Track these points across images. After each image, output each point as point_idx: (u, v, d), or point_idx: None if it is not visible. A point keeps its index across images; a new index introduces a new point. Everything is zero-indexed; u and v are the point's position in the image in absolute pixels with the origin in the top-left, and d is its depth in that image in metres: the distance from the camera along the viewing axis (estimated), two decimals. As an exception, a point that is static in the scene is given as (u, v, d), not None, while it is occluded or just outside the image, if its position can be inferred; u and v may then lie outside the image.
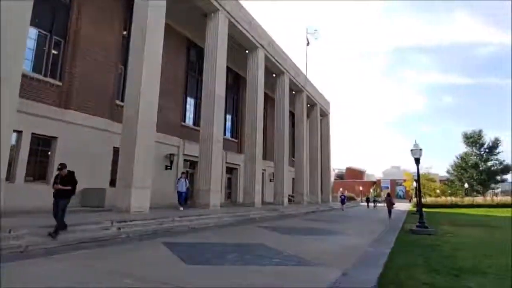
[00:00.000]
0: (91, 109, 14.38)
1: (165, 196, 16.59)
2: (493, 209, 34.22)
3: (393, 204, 21.52)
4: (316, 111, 35.61)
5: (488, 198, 42.83)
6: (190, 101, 21.41)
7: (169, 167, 17.82)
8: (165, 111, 18.07)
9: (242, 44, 21.23)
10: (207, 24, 17.66)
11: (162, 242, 7.78)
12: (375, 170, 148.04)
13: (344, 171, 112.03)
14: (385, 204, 22.59)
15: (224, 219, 12.88)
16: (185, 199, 15.33)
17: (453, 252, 7.97)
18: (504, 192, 59.16)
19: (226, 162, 24.14)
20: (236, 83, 26.96)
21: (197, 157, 17.15)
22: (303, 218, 17.79)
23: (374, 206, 36.49)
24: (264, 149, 28.03)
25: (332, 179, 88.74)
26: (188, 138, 19.75)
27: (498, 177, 50.34)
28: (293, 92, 29.85)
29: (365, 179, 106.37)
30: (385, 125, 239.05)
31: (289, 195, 27.84)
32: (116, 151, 13.62)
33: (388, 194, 23.25)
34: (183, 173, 15.97)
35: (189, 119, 21.19)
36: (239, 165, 24.85)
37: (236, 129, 26.73)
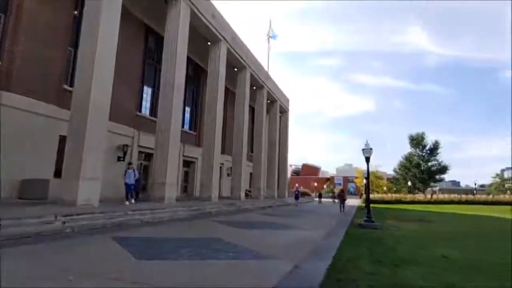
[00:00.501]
0: (35, 93, 13.12)
1: (117, 189, 15.75)
2: (431, 205, 37.53)
3: (345, 199, 24.17)
4: (276, 108, 36.12)
5: (428, 195, 46.79)
6: (147, 90, 20.52)
7: (122, 159, 16.97)
8: (119, 99, 17.14)
9: (204, 35, 20.77)
10: (168, 11, 16.98)
11: (111, 237, 7.41)
12: (329, 167, 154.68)
13: (300, 167, 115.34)
14: (338, 199, 25.38)
15: (179, 213, 12.61)
16: (137, 192, 14.76)
17: (395, 245, 8.60)
18: (441, 190, 65.13)
19: (184, 155, 23.61)
20: (196, 74, 26.38)
21: (152, 149, 16.54)
22: (260, 212, 18.04)
23: (319, 202, 37.98)
24: (223, 143, 27.83)
25: (289, 175, 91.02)
26: (143, 129, 18.94)
27: (437, 176, 55.19)
28: (254, 88, 29.95)
29: (320, 175, 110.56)
30: (340, 124, 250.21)
31: (246, 190, 28.04)
32: (62, 139, 12.63)
33: (341, 190, 25.94)
34: (130, 163, 14.72)
35: (146, 109, 20.32)
36: (197, 158, 24.43)
37: (195, 122, 26.21)
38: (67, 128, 11.63)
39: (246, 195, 27.26)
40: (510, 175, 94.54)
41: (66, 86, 14.56)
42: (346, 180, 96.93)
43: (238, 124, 25.77)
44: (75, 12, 15.31)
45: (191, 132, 25.58)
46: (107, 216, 9.46)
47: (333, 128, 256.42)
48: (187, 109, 25.50)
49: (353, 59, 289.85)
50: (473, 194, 47.02)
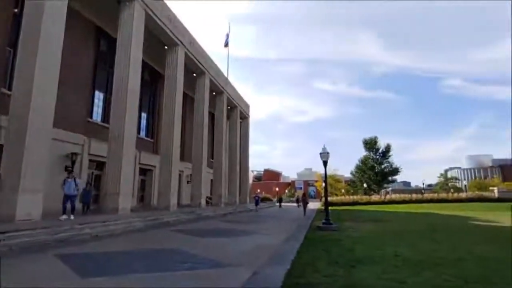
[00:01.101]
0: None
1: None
2: (386, 205, 39.58)
3: (307, 203, 25.58)
4: (236, 113, 36.07)
5: (382, 196, 49.36)
6: (99, 95, 19.38)
7: (70, 168, 15.73)
8: (67, 105, 16.01)
9: (160, 39, 20.19)
10: (121, 12, 16.25)
11: (54, 254, 6.75)
12: (290, 172, 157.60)
13: (262, 173, 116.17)
14: (300, 203, 27.65)
15: (133, 224, 11.91)
16: (87, 205, 13.77)
17: (352, 246, 8.81)
18: (394, 191, 69.12)
19: (140, 163, 22.61)
20: (153, 79, 25.53)
21: (105, 157, 15.56)
22: (220, 219, 17.71)
23: (280, 206, 38.03)
24: (182, 150, 27.14)
25: (251, 180, 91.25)
26: (95, 136, 17.80)
27: (390, 178, 58.60)
28: (214, 93, 29.67)
29: (282, 180, 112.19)
30: (300, 129, 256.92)
31: (207, 197, 27.50)
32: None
33: (304, 195, 27.58)
34: (70, 172, 12.68)
35: (98, 115, 19.15)
36: (154, 166, 23.49)
37: (153, 128, 25.26)
38: (4, 136, 10.53)
39: (207, 202, 26.73)
40: (453, 175, 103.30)
41: (4, 90, 13.25)
42: (307, 184, 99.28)
43: (198, 130, 25.28)
44: (15, 10, 14.09)
45: (148, 139, 24.60)
46: (51, 232, 8.63)
47: (293, 134, 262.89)
48: (144, 115, 24.57)
49: (311, 67, 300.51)
50: (422, 194, 50.42)
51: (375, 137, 58.31)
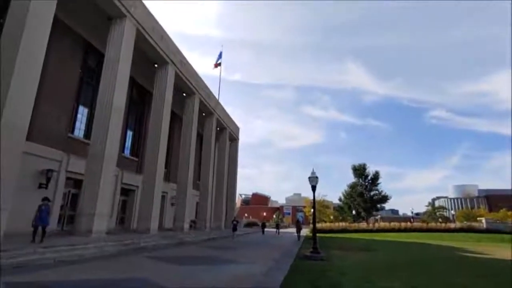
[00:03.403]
0: None
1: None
2: (374, 233, 38.82)
3: (301, 229, 29.06)
4: (226, 135, 35.65)
5: (371, 224, 48.63)
6: (83, 111, 18.72)
7: (44, 186, 14.82)
8: (46, 118, 15.34)
9: (151, 57, 19.97)
10: (111, 28, 16.02)
11: (5, 282, 5.92)
12: (279, 197, 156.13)
13: (250, 196, 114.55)
14: (295, 229, 29.58)
15: (106, 248, 10.99)
16: (44, 226, 10.63)
17: (340, 277, 8.17)
18: (383, 218, 68.52)
19: (122, 183, 21.65)
20: (141, 97, 25.07)
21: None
22: (202, 245, 16.76)
23: (263, 232, 34.26)
24: (168, 171, 26.33)
25: (239, 204, 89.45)
26: (76, 153, 16.98)
27: (379, 205, 58.10)
28: (203, 114, 29.33)
29: (270, 205, 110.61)
30: (290, 155, 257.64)
31: (191, 221, 26.40)
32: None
33: (297, 221, 34.14)
34: (44, 199, 11.21)
35: (80, 131, 18.41)
36: (137, 186, 22.52)
37: (138, 147, 24.47)
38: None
39: (191, 226, 25.60)
40: (440, 204, 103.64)
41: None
42: (295, 209, 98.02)
43: (185, 151, 24.64)
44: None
45: (132, 157, 23.77)
46: (8, 255, 7.75)
47: (283, 158, 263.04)
48: (129, 133, 23.89)
49: (302, 93, 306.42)
50: (411, 222, 49.94)
51: (364, 164, 58.32)
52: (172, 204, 26.48)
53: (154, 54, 19.61)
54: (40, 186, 14.77)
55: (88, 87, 19.01)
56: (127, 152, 23.25)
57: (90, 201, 13.72)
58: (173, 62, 21.08)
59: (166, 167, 23.47)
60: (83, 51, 18.39)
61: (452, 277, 9.42)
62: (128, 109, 21.84)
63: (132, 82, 22.06)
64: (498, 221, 47.30)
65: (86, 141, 17.48)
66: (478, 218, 51.04)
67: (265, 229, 35.53)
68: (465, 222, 48.20)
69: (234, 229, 25.58)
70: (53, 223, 15.59)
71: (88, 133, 18.35)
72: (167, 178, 26.21)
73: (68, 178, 16.82)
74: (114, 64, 15.42)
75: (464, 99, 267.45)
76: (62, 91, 16.63)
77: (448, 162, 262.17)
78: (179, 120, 27.50)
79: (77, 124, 18.27)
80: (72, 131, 17.74)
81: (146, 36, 17.89)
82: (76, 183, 17.37)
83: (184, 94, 25.35)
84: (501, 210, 71.53)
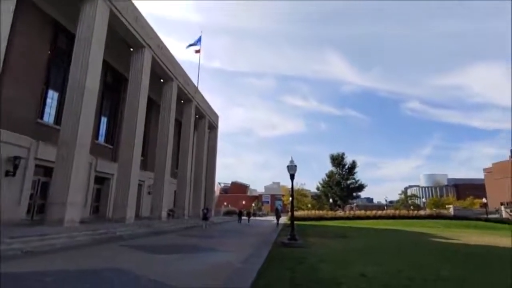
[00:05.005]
0: None
1: (3, 209, 12.91)
2: (350, 221, 39.93)
3: (280, 216, 31.73)
4: (205, 123, 35.15)
5: (347, 212, 49.96)
6: (53, 95, 17.74)
7: (11, 173, 14.03)
8: (13, 102, 14.42)
9: (126, 40, 19.12)
10: (82, 8, 15.13)
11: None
12: (258, 185, 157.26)
13: (229, 185, 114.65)
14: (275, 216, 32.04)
15: (78, 238, 10.58)
16: None
17: (316, 264, 8.27)
18: (358, 206, 70.54)
19: (97, 170, 20.94)
20: (117, 83, 24.11)
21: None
22: (180, 234, 16.57)
23: (240, 221, 33.50)
24: (145, 159, 25.70)
25: (218, 193, 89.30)
26: (46, 139, 16.15)
27: (355, 194, 59.65)
28: (182, 101, 28.68)
29: (249, 193, 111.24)
30: (271, 143, 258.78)
31: (169, 209, 26.04)
32: None
33: (277, 209, 35.79)
34: None
35: (50, 116, 17.48)
36: (112, 174, 21.84)
37: (113, 134, 23.64)
38: None
39: (169, 214, 25.27)
40: (412, 192, 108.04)
41: None
42: (274, 198, 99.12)
43: (162, 138, 24.10)
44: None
45: (107, 145, 22.97)
46: (-31, 247, 7.28)
47: (262, 147, 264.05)
48: (104, 119, 23.00)
49: (283, 82, 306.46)
50: (385, 209, 51.71)
51: (342, 153, 59.39)
52: (149, 193, 25.98)
53: (129, 37, 18.79)
54: (7, 173, 13.99)
55: (58, 70, 18.00)
56: (101, 139, 22.43)
57: (61, 190, 13.16)
58: (149, 46, 20.30)
59: (143, 155, 22.87)
60: (53, 32, 17.32)
61: (422, 260, 9.81)
62: (102, 95, 20.95)
63: (107, 66, 21.12)
64: (465, 209, 49.91)
65: (57, 127, 16.61)
66: (447, 206, 53.64)
67: (242, 217, 35.44)
68: (434, 209, 50.48)
69: (204, 218, 21.95)
70: (22, 213, 14.93)
71: (58, 119, 17.42)
72: (144, 166, 25.60)
73: (37, 166, 16.03)
74: (86, 44, 14.64)
75: (438, 91, 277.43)
76: (30, 74, 15.66)
77: (420, 152, 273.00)
78: (157, 107, 26.77)
79: (47, 109, 17.34)
80: (41, 117, 16.83)
81: (120, 17, 17.03)
82: (46, 171, 16.58)
83: (162, 80, 24.61)
84: (468, 198, 75.61)
